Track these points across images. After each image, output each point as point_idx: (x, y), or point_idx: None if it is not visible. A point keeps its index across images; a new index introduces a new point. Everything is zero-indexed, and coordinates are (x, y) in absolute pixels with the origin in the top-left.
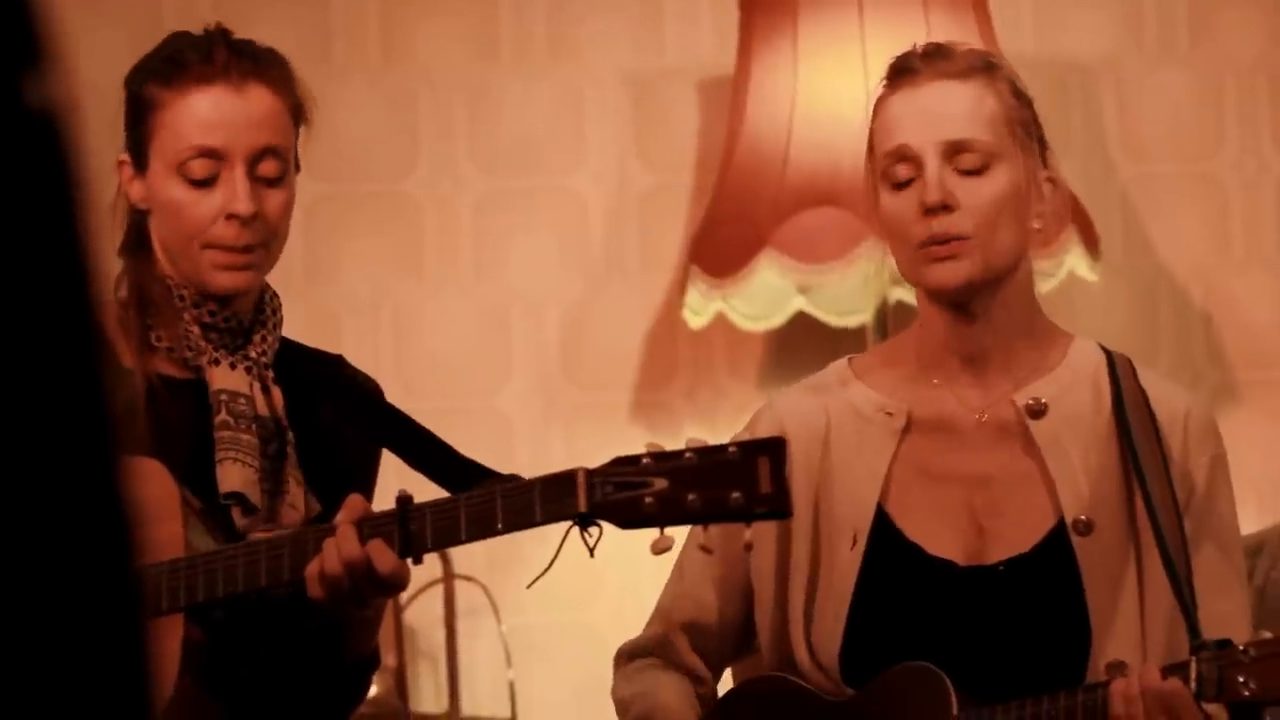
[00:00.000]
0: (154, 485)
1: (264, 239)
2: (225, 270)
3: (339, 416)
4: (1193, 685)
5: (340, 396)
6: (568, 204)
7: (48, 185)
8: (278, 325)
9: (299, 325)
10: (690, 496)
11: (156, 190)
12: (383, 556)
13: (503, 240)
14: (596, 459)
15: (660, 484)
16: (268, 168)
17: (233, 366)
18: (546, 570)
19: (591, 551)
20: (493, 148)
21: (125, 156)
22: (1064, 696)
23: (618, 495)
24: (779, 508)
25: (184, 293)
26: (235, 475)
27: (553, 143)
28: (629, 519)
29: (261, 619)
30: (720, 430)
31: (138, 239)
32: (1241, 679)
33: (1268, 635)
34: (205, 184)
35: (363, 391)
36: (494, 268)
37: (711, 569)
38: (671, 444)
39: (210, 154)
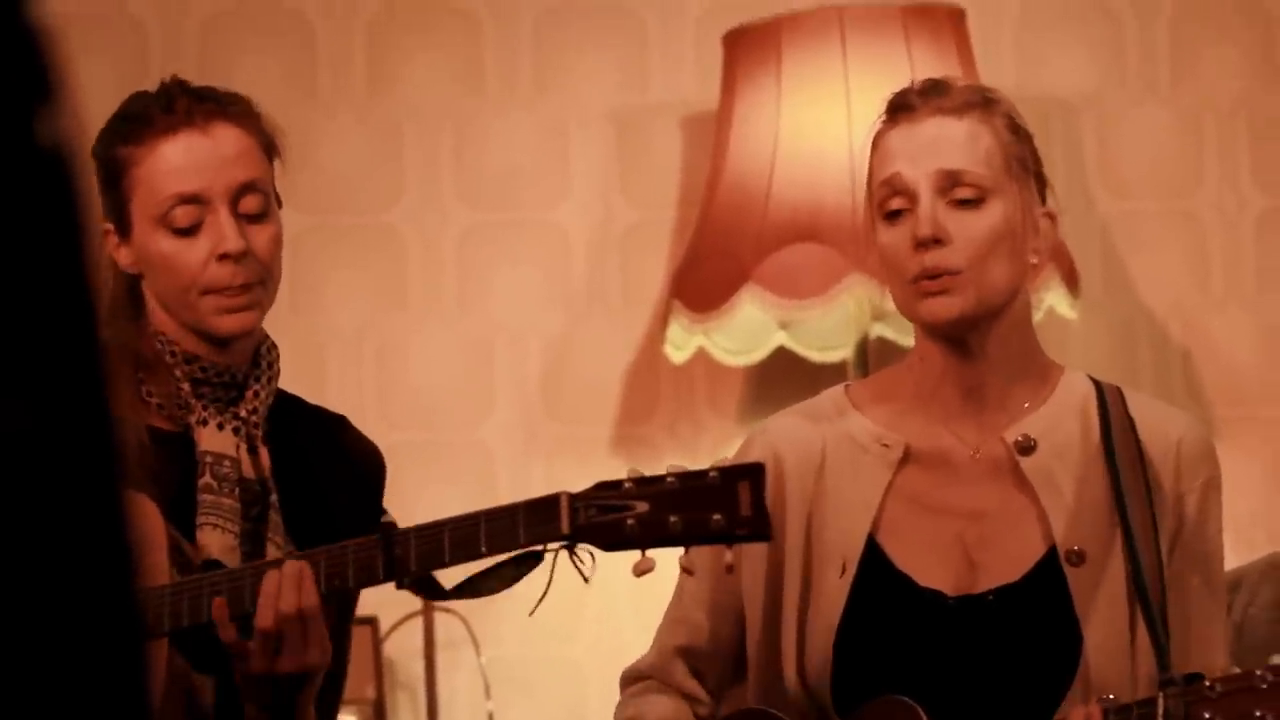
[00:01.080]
0: (143, 517)
1: (259, 276)
2: (226, 314)
3: (332, 481)
4: None
5: (335, 463)
6: (551, 238)
7: (59, 222)
8: (273, 379)
9: (283, 356)
10: (672, 519)
11: (144, 248)
12: (307, 596)
13: (486, 273)
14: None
15: (642, 507)
16: (249, 203)
17: (220, 427)
18: (543, 597)
19: (586, 579)
20: (477, 181)
21: (108, 225)
22: None
23: (600, 518)
24: (759, 530)
25: (175, 349)
26: (214, 541)
27: (537, 177)
28: (611, 541)
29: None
30: (701, 464)
31: (128, 302)
32: (1208, 715)
33: (1236, 671)
34: (191, 231)
35: (359, 464)
36: (477, 301)
37: (705, 594)
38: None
39: (191, 199)
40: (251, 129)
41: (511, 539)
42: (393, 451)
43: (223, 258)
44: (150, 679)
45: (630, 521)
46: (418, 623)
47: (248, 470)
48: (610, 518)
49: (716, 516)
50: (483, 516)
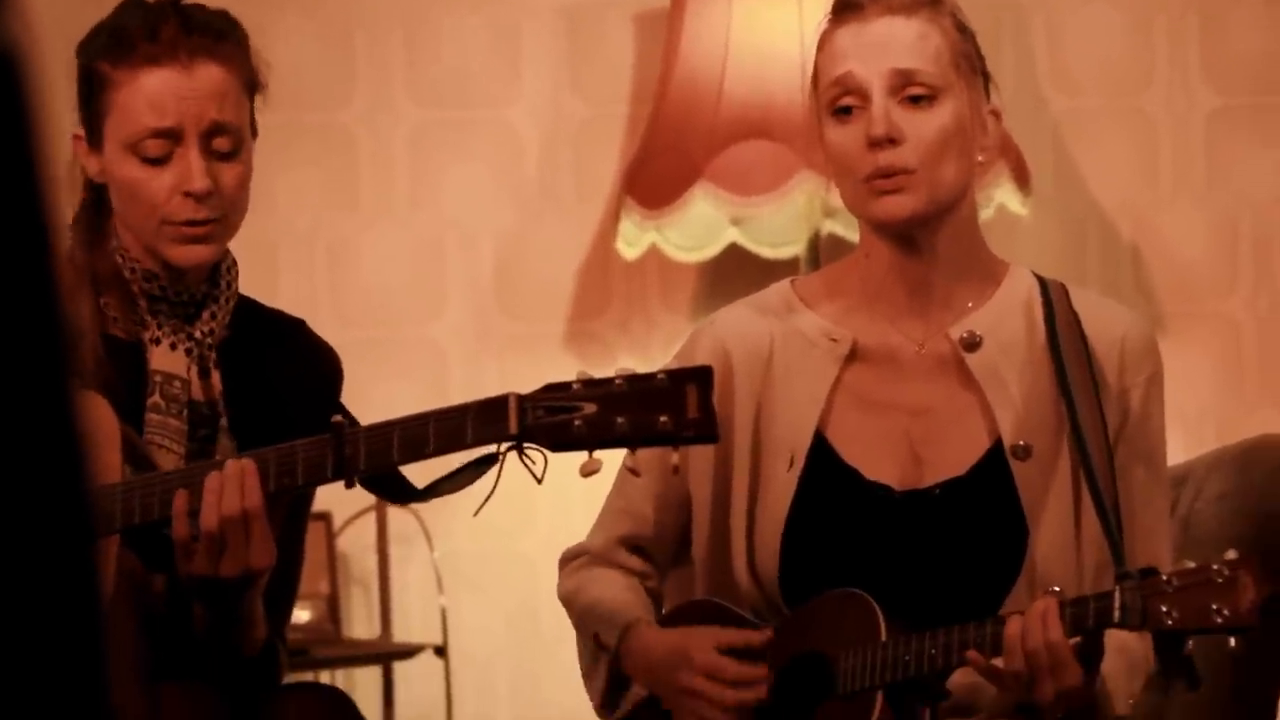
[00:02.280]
0: (96, 415)
1: (221, 212)
2: (183, 244)
3: (290, 389)
4: (1116, 615)
5: (293, 372)
6: (503, 136)
7: (10, 121)
8: (230, 299)
9: (235, 256)
10: (619, 420)
11: (112, 168)
12: (251, 496)
13: (438, 172)
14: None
15: (590, 408)
16: (221, 143)
17: (173, 347)
18: (489, 497)
19: (539, 479)
20: (428, 80)
21: (80, 131)
22: (991, 624)
23: (548, 419)
24: (705, 432)
25: (135, 265)
26: (160, 461)
27: (488, 75)
28: (559, 441)
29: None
30: (653, 360)
31: (95, 211)
32: (1164, 609)
33: (1191, 565)
34: (160, 161)
35: (316, 370)
36: (429, 199)
37: (651, 487)
38: (603, 374)
39: (163, 134)
40: (235, 67)
41: (459, 439)
42: (345, 349)
43: (186, 194)
44: (101, 576)
45: (578, 423)
46: (371, 518)
47: (197, 393)
48: (558, 419)
49: (663, 418)
50: (431, 417)
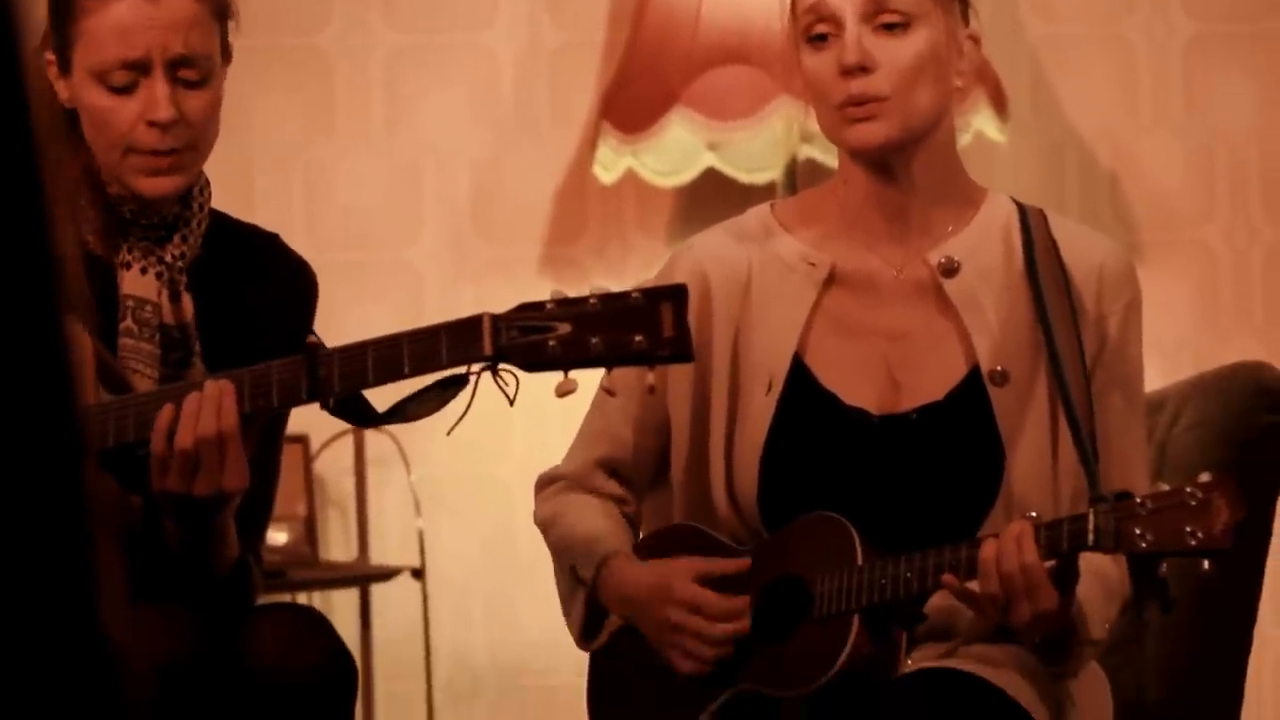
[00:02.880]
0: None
1: (189, 141)
2: (149, 175)
3: (263, 306)
4: (1090, 537)
5: (266, 288)
6: (480, 60)
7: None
8: (202, 221)
9: (211, 180)
10: (594, 340)
11: (79, 94)
12: (226, 417)
13: (414, 96)
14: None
15: (564, 328)
16: (188, 73)
17: (144, 271)
18: (462, 417)
19: (511, 400)
20: (405, 4)
21: (51, 56)
22: (966, 547)
23: (523, 339)
24: (680, 351)
25: (107, 189)
26: (134, 385)
27: None
28: (533, 362)
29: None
30: (629, 285)
31: (68, 134)
32: (1138, 531)
33: (1165, 488)
34: (126, 90)
35: (290, 286)
36: (405, 124)
37: (628, 409)
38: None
39: (130, 65)
40: None
41: (434, 360)
42: (321, 272)
43: (151, 124)
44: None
45: (552, 343)
46: (348, 441)
47: (168, 317)
48: (532, 339)
49: (638, 338)
50: (405, 338)
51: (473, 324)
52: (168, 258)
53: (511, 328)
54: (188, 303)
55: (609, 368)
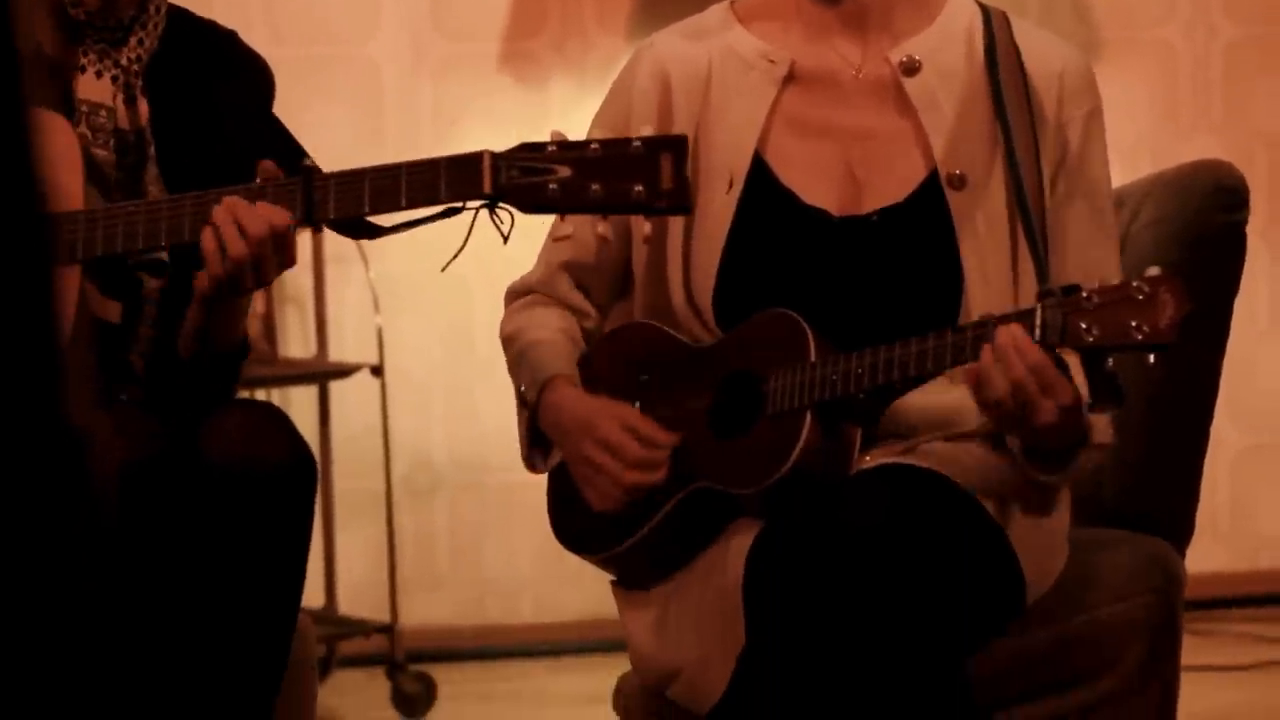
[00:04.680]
0: (57, 137)
1: None
2: None
3: (221, 104)
4: (1037, 331)
5: (223, 86)
6: None
7: None
8: (159, 23)
9: None
10: (594, 186)
11: None
12: (277, 215)
13: None
14: (462, 107)
15: (565, 172)
16: None
17: (99, 75)
18: (458, 254)
19: (505, 238)
20: None
21: None
22: (916, 343)
23: (523, 180)
24: (679, 203)
25: None
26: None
27: None
28: (533, 203)
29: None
30: (588, 82)
31: None
32: (1085, 325)
33: (1112, 283)
34: None
35: (248, 83)
36: None
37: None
38: (538, 95)
39: None
40: None
41: (432, 193)
42: (279, 68)
43: None
44: (60, 305)
45: (552, 186)
46: (306, 237)
47: (123, 121)
48: (532, 180)
49: (638, 188)
50: (404, 169)
51: (473, 161)
52: (123, 60)
53: (512, 167)
54: (143, 106)
55: (606, 215)
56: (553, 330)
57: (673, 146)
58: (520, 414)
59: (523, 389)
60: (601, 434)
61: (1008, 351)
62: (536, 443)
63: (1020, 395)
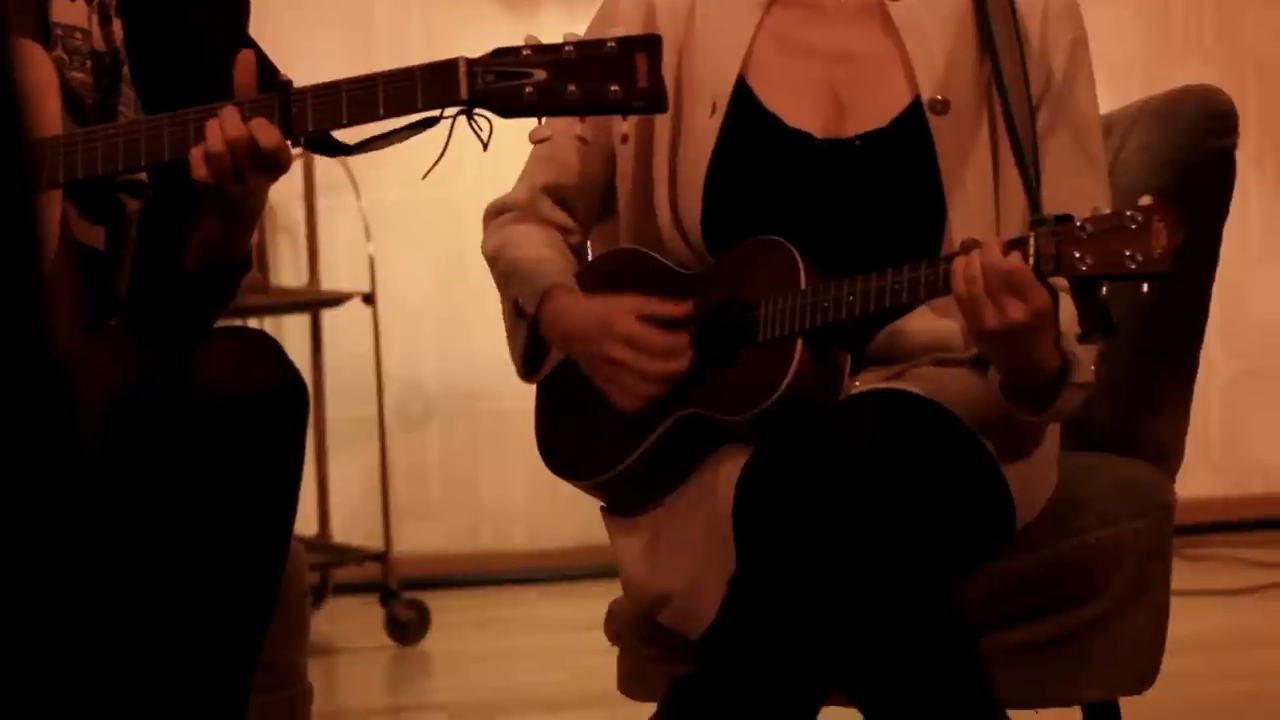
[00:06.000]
0: (35, 66)
1: None
2: None
3: (196, 22)
4: (1031, 260)
5: (199, 5)
6: None
7: None
8: None
9: None
10: (570, 88)
11: None
12: (266, 132)
13: None
14: (453, 35)
15: (540, 75)
16: None
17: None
18: (438, 161)
19: (485, 144)
20: None
21: None
22: (908, 269)
23: (499, 84)
24: (654, 102)
25: None
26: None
27: None
28: (509, 108)
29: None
30: (578, 8)
31: None
32: (1078, 254)
33: (1106, 211)
34: None
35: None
36: None
37: (572, 129)
38: (529, 23)
39: None
40: None
41: (409, 102)
42: None
43: None
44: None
45: (529, 89)
46: (298, 166)
47: (98, 42)
48: (508, 84)
49: (614, 87)
50: (380, 78)
51: (448, 67)
52: None
53: (488, 72)
54: (117, 27)
55: (583, 116)
56: (540, 243)
57: (647, 45)
58: (516, 326)
59: (518, 300)
60: (621, 328)
61: (989, 255)
62: (533, 353)
63: (992, 293)
